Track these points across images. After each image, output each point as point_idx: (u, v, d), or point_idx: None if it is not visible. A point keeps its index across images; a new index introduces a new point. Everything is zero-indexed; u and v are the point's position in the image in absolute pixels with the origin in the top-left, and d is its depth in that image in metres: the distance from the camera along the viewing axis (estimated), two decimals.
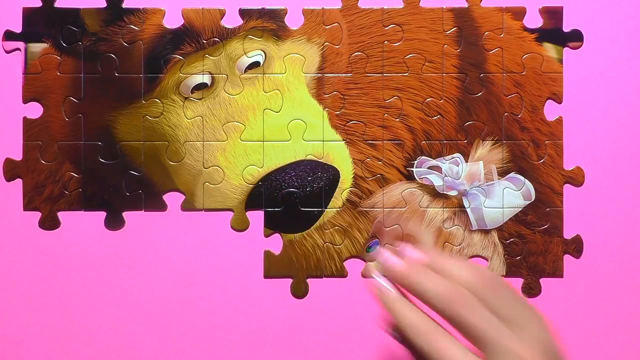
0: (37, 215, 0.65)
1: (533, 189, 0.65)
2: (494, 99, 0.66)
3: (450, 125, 0.66)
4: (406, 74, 0.65)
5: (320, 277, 0.65)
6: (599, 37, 0.66)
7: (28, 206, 0.65)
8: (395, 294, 0.51)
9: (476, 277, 0.50)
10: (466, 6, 0.66)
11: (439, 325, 0.50)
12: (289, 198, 0.64)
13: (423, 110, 0.66)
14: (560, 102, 0.66)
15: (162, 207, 0.65)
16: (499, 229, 0.65)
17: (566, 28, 0.65)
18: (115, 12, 0.64)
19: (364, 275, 0.64)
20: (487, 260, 0.65)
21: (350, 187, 0.65)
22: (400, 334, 0.51)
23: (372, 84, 0.65)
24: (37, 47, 0.65)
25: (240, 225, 0.64)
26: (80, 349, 0.65)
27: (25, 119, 0.65)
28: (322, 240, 0.65)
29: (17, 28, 0.65)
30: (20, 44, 0.65)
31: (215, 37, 0.64)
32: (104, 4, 0.64)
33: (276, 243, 0.65)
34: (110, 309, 0.65)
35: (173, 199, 0.65)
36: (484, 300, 0.50)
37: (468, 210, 0.65)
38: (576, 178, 0.66)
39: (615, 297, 0.65)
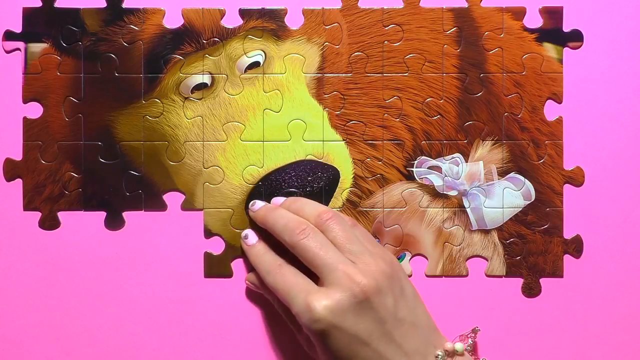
0: (37, 215, 0.65)
1: (533, 189, 0.65)
2: (494, 99, 0.66)
3: (450, 125, 0.66)
4: (406, 74, 0.65)
5: None
6: (599, 37, 0.66)
7: (28, 206, 0.65)
8: (253, 239, 0.62)
9: (321, 212, 0.59)
10: (466, 6, 0.66)
11: (287, 264, 0.58)
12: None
13: (423, 110, 0.66)
14: (560, 102, 0.66)
15: (162, 207, 0.65)
16: (499, 229, 0.65)
17: (566, 28, 0.65)
18: (115, 12, 0.64)
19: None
20: (487, 260, 0.65)
21: (350, 187, 0.65)
22: (256, 280, 0.61)
23: (372, 84, 0.65)
24: (37, 47, 0.65)
25: (241, 226, 0.64)
26: (80, 349, 0.65)
27: (25, 119, 0.65)
28: None
29: (17, 28, 0.65)
30: (20, 44, 0.65)
31: (215, 37, 0.64)
32: (104, 4, 0.65)
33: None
34: (110, 308, 0.65)
35: (173, 199, 0.65)
36: (325, 232, 0.57)
37: (468, 210, 0.65)
38: (576, 178, 0.66)
39: (615, 297, 0.65)
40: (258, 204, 0.62)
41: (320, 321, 0.53)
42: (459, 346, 0.57)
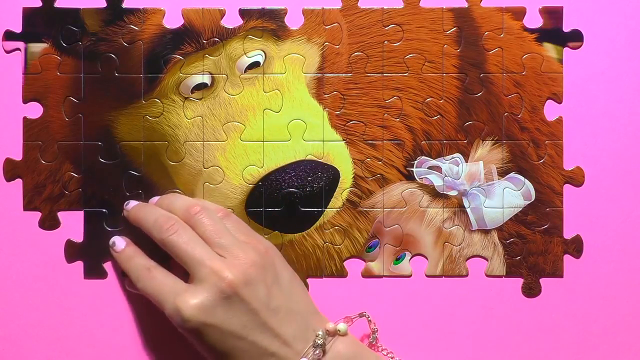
0: (37, 215, 0.65)
1: (533, 189, 0.65)
2: (494, 99, 0.66)
3: (450, 125, 0.66)
4: (406, 74, 0.65)
5: (320, 277, 0.65)
6: (599, 37, 0.66)
7: (28, 206, 0.65)
8: (121, 245, 0.61)
9: (189, 205, 0.58)
10: (466, 6, 0.66)
11: (157, 265, 0.58)
12: (289, 198, 0.64)
13: (423, 110, 0.66)
14: (560, 102, 0.66)
15: None
16: (499, 229, 0.65)
17: (566, 28, 0.65)
18: (115, 12, 0.64)
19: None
20: (487, 260, 0.65)
21: (350, 187, 0.65)
22: (130, 283, 0.60)
23: (372, 84, 0.65)
24: (37, 47, 0.65)
25: None
26: (80, 348, 0.65)
27: (25, 119, 0.65)
28: (322, 240, 0.65)
29: (17, 28, 0.65)
30: (20, 44, 0.65)
31: (215, 37, 0.64)
32: (104, 4, 0.65)
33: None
34: (110, 308, 0.65)
35: None
36: (194, 227, 0.58)
37: (468, 210, 0.65)
38: (576, 178, 0.66)
39: (615, 297, 0.65)
40: (131, 203, 0.62)
41: (190, 321, 0.53)
42: (342, 326, 0.57)
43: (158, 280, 0.57)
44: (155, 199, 0.62)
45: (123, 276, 0.63)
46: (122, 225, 0.64)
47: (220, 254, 0.56)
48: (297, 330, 0.55)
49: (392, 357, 0.62)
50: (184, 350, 0.64)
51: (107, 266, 0.65)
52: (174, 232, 0.57)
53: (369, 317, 0.62)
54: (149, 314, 0.65)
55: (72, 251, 0.64)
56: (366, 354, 0.58)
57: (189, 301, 0.54)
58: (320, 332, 0.56)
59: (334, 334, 0.57)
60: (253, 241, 0.58)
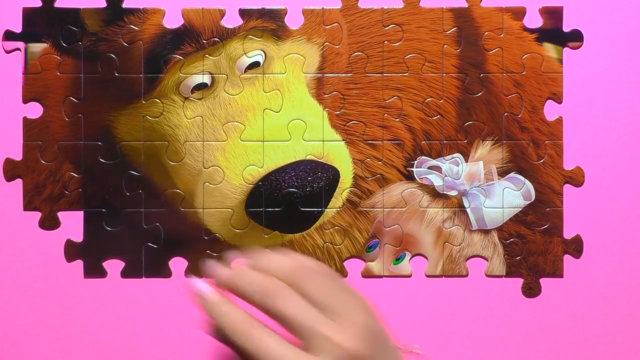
0: (37, 215, 0.65)
1: (533, 189, 0.65)
2: (494, 99, 0.66)
3: (450, 125, 0.66)
4: (406, 74, 0.65)
5: None
6: (599, 37, 0.66)
7: (28, 206, 0.65)
8: (215, 296, 0.51)
9: (290, 267, 0.52)
10: (466, 6, 0.66)
11: (259, 322, 0.50)
12: (289, 198, 0.64)
13: (423, 110, 0.66)
14: (560, 102, 0.66)
15: (161, 207, 0.64)
16: (499, 229, 0.65)
17: (566, 28, 0.65)
18: (115, 12, 0.64)
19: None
20: (487, 260, 0.65)
21: (350, 187, 0.65)
22: (222, 336, 0.50)
23: (372, 84, 0.65)
24: (37, 47, 0.65)
25: (241, 226, 0.64)
26: (80, 348, 0.65)
27: (25, 119, 0.65)
28: (322, 240, 0.65)
29: (17, 28, 0.65)
30: (20, 44, 0.65)
31: (215, 37, 0.64)
32: (104, 4, 0.64)
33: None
34: (110, 307, 0.65)
35: (173, 199, 0.65)
36: (300, 290, 0.51)
37: (468, 210, 0.65)
38: (576, 178, 0.66)
39: (615, 297, 0.65)
40: (217, 267, 0.52)
41: None
42: None
43: (260, 338, 0.49)
44: (234, 256, 0.53)
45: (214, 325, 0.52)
46: (122, 225, 0.64)
47: (330, 318, 0.52)
48: None
49: None
50: (183, 350, 0.64)
51: (107, 265, 0.65)
52: (278, 297, 0.50)
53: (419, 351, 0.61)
54: (148, 314, 0.65)
55: (72, 251, 0.64)
56: None
57: None
58: None
59: None
60: (356, 300, 0.54)
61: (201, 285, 0.52)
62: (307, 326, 0.49)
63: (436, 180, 0.65)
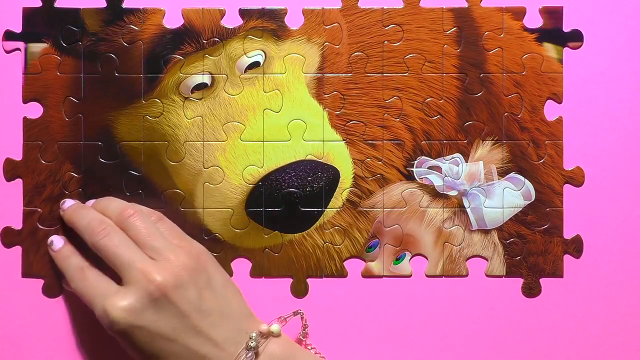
0: (38, 214, 0.65)
1: (533, 189, 0.65)
2: (494, 99, 0.66)
3: (450, 125, 0.66)
4: (406, 74, 0.65)
5: (320, 277, 0.65)
6: (599, 37, 0.66)
7: (28, 206, 0.65)
8: (59, 244, 0.61)
9: (123, 209, 0.59)
10: (466, 6, 0.66)
11: (91, 266, 0.59)
12: (289, 198, 0.64)
13: (423, 110, 0.66)
14: (560, 102, 0.66)
15: (161, 207, 0.65)
16: (499, 229, 0.65)
17: (566, 28, 0.65)
18: (115, 12, 0.64)
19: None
20: (487, 260, 0.65)
21: (350, 187, 0.65)
22: (66, 282, 0.60)
23: (372, 84, 0.65)
24: (37, 47, 0.65)
25: (241, 226, 0.64)
26: (80, 348, 0.65)
27: (25, 119, 0.65)
28: (322, 240, 0.65)
29: (17, 28, 0.65)
30: (20, 44, 0.65)
31: (215, 37, 0.64)
32: (104, 4, 0.65)
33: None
34: None
35: (173, 199, 0.65)
36: (126, 230, 0.58)
37: (468, 210, 0.65)
38: (576, 178, 0.66)
39: (615, 297, 0.65)
40: (67, 203, 0.62)
41: (118, 323, 0.54)
42: (275, 327, 0.57)
43: (90, 282, 0.57)
44: (92, 201, 0.62)
45: (62, 275, 0.62)
46: None
47: (151, 257, 0.56)
48: (230, 333, 0.56)
49: (322, 357, 0.62)
50: None
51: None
52: (105, 235, 0.57)
53: (303, 314, 0.62)
54: None
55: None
56: (301, 355, 0.58)
57: (117, 304, 0.54)
58: (254, 334, 0.56)
59: (268, 335, 0.57)
60: (186, 245, 0.58)
61: (54, 238, 0.62)
62: (125, 261, 0.55)
63: (436, 180, 0.65)
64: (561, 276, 0.65)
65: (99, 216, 0.59)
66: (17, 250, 0.65)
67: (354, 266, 0.65)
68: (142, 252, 0.56)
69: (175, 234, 0.59)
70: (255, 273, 0.65)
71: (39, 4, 0.65)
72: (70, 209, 0.61)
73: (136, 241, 0.57)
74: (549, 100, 0.66)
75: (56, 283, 0.64)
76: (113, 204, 0.60)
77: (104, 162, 0.65)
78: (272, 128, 0.64)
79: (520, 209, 0.65)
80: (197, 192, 0.64)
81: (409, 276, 0.65)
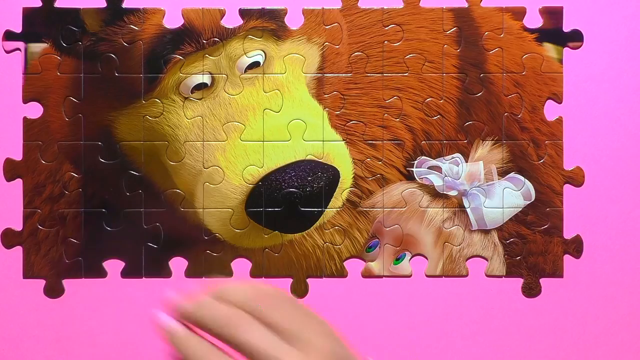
0: (38, 215, 0.64)
1: (533, 189, 0.65)
2: (494, 99, 0.66)
3: (450, 125, 0.66)
4: (406, 74, 0.65)
5: (320, 277, 0.65)
6: (599, 37, 0.66)
7: (28, 206, 0.65)
8: (179, 329, 0.50)
9: (249, 295, 0.52)
10: (466, 6, 0.66)
11: (223, 352, 0.49)
12: (289, 198, 0.64)
13: (423, 110, 0.66)
14: (560, 102, 0.66)
15: (161, 206, 0.65)
16: (499, 229, 0.65)
17: (566, 28, 0.65)
18: (115, 12, 0.64)
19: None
20: (487, 260, 0.65)
21: (350, 187, 0.65)
22: None
23: (372, 84, 0.65)
24: (37, 47, 0.65)
25: (241, 226, 0.64)
26: (80, 348, 0.65)
27: (25, 119, 0.65)
28: (322, 240, 0.65)
29: (17, 28, 0.65)
30: (20, 44, 0.65)
31: (215, 37, 0.64)
32: (104, 4, 0.64)
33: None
34: (110, 308, 0.65)
35: (173, 199, 0.65)
36: (261, 319, 0.51)
37: (468, 210, 0.65)
38: (576, 178, 0.66)
39: (615, 297, 0.65)
40: (175, 298, 0.50)
41: None
42: None
43: None
44: (201, 294, 0.55)
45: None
46: (121, 225, 0.64)
47: (292, 345, 0.52)
48: None
49: None
50: None
51: (107, 265, 0.65)
52: (237, 328, 0.51)
53: None
54: (148, 314, 0.65)
55: (72, 250, 0.64)
56: None
57: None
58: None
59: None
60: (316, 322, 0.54)
61: (166, 319, 0.51)
62: (267, 354, 0.49)
63: (436, 180, 0.65)
64: (561, 276, 0.65)
65: (225, 308, 0.50)
66: (18, 250, 0.65)
67: (354, 266, 0.65)
68: (282, 341, 0.51)
69: (304, 311, 0.54)
70: (255, 273, 0.65)
71: (39, 4, 0.64)
72: (197, 306, 0.50)
73: (272, 329, 0.51)
74: (549, 100, 0.66)
75: (57, 283, 0.64)
76: (234, 291, 0.51)
77: (104, 162, 0.65)
78: (272, 128, 0.64)
79: (520, 209, 0.65)
80: (197, 192, 0.64)
81: (409, 276, 0.65)
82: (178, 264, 0.65)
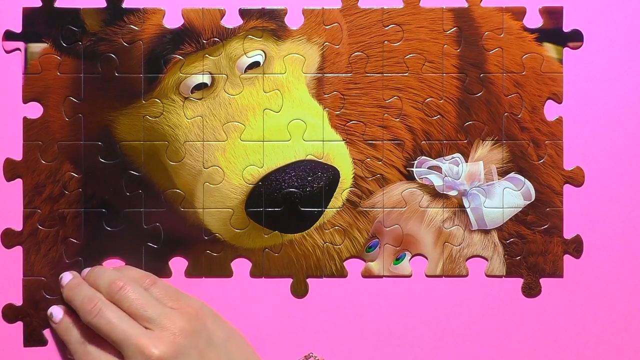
0: (38, 215, 0.64)
1: (533, 189, 0.65)
2: (494, 99, 0.66)
3: (450, 125, 0.66)
4: (406, 74, 0.65)
5: (320, 277, 0.65)
6: (599, 37, 0.66)
7: (28, 206, 0.65)
8: (59, 316, 0.60)
9: (112, 282, 0.56)
10: (466, 6, 0.66)
11: (93, 338, 0.57)
12: (289, 198, 0.64)
13: (423, 110, 0.66)
14: (560, 102, 0.66)
15: (161, 206, 0.65)
16: (499, 229, 0.65)
17: (566, 28, 0.65)
18: (115, 12, 0.64)
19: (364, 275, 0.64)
20: (487, 260, 0.65)
21: (350, 187, 0.65)
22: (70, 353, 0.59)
23: (372, 84, 0.65)
24: (37, 47, 0.65)
25: (241, 226, 0.64)
26: None
27: (25, 119, 0.65)
28: (322, 240, 0.65)
29: (17, 28, 0.65)
30: (20, 44, 0.65)
31: (215, 37, 0.64)
32: (104, 4, 0.64)
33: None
34: None
35: (172, 199, 0.65)
36: (120, 303, 0.55)
37: (468, 210, 0.65)
38: (576, 178, 0.66)
39: (615, 297, 0.65)
40: (65, 279, 0.61)
41: None
42: None
43: (91, 357, 0.57)
44: (86, 270, 0.62)
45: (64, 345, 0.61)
46: (121, 225, 0.64)
47: (147, 327, 0.55)
48: None
49: None
50: None
51: (107, 265, 0.65)
52: (96, 313, 0.56)
53: (315, 357, 0.62)
54: None
55: (72, 250, 0.64)
56: None
57: None
58: None
59: None
60: (182, 305, 0.58)
61: (54, 310, 0.61)
62: (121, 338, 0.54)
63: (436, 180, 0.65)
64: (561, 276, 0.65)
65: (90, 292, 0.58)
66: (18, 250, 0.65)
67: (354, 266, 0.65)
68: (137, 324, 0.56)
69: (170, 295, 0.59)
70: (255, 273, 0.65)
71: (39, 4, 0.65)
72: (67, 287, 0.60)
73: (130, 313, 0.56)
74: (549, 100, 0.66)
75: (57, 283, 0.64)
76: (103, 275, 0.59)
77: (104, 162, 0.65)
78: (272, 128, 0.64)
79: (520, 209, 0.65)
80: (197, 192, 0.64)
81: (409, 276, 0.65)
82: (178, 263, 0.65)
